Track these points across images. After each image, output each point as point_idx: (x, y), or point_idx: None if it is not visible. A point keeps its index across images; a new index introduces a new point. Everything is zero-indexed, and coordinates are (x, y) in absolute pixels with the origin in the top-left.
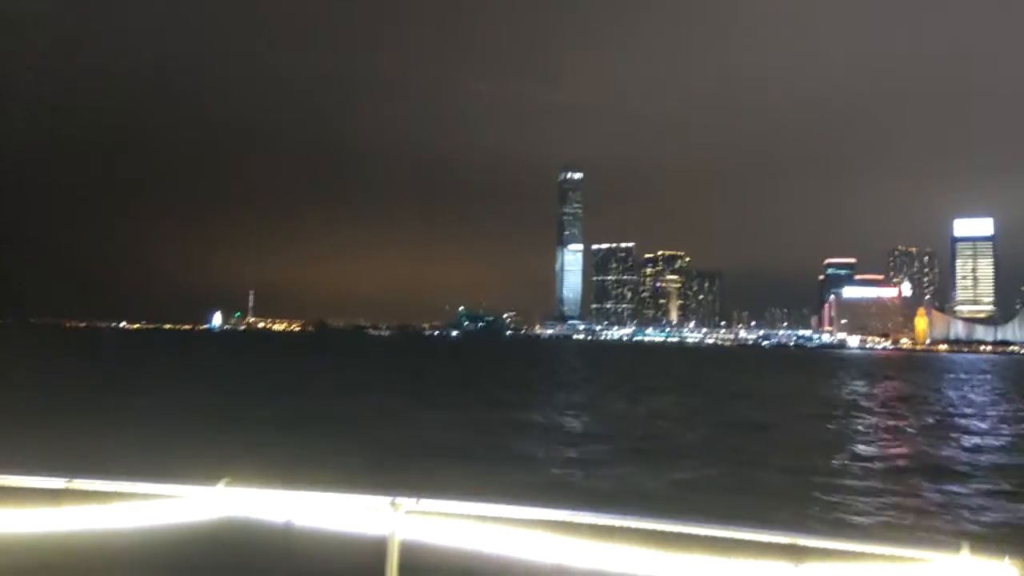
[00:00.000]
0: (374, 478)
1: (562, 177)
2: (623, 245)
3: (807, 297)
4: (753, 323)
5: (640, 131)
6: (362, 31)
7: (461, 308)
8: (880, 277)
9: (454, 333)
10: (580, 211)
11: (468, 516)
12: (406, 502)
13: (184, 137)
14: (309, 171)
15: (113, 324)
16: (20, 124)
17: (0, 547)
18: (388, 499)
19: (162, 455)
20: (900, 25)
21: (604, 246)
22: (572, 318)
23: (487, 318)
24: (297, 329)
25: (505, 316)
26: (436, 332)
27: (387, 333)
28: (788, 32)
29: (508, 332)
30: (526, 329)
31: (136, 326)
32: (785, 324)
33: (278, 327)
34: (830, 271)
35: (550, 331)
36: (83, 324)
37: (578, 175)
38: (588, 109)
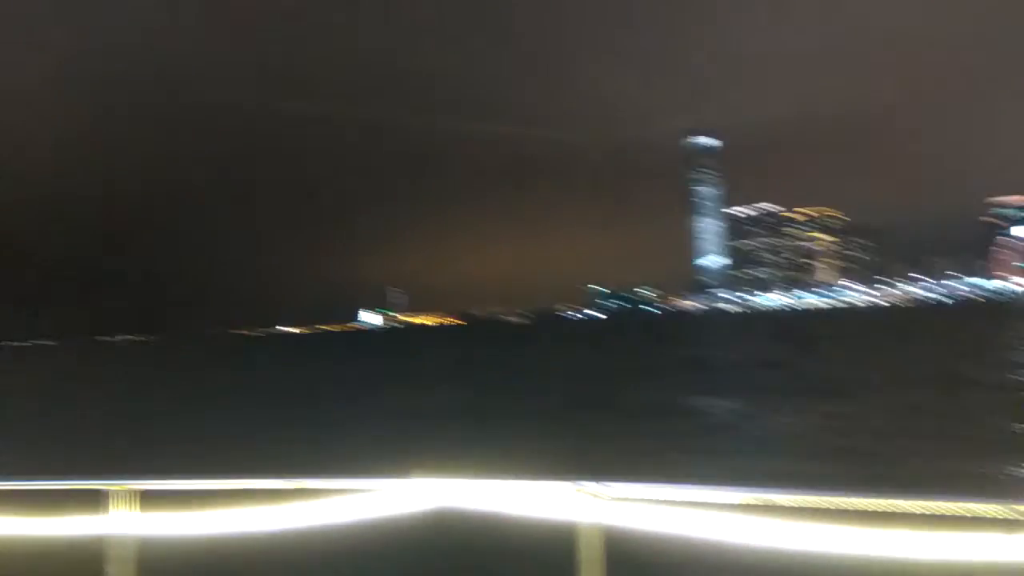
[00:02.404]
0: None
1: (694, 142)
2: (764, 206)
3: (968, 244)
4: (914, 276)
5: (773, 88)
6: (482, 11)
7: (597, 287)
8: None
9: (600, 316)
10: (715, 176)
11: (666, 501)
12: (605, 488)
13: (307, 141)
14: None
15: (278, 329)
16: (166, 146)
17: (240, 545)
18: (590, 483)
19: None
20: None
21: (743, 209)
22: (712, 287)
23: (625, 295)
24: (450, 323)
25: (645, 291)
26: (579, 315)
27: (523, 320)
28: None
29: (654, 309)
30: (669, 304)
31: (300, 330)
32: (952, 275)
33: (429, 322)
34: (998, 211)
35: (698, 304)
36: (245, 332)
37: (711, 140)
38: (720, 71)
